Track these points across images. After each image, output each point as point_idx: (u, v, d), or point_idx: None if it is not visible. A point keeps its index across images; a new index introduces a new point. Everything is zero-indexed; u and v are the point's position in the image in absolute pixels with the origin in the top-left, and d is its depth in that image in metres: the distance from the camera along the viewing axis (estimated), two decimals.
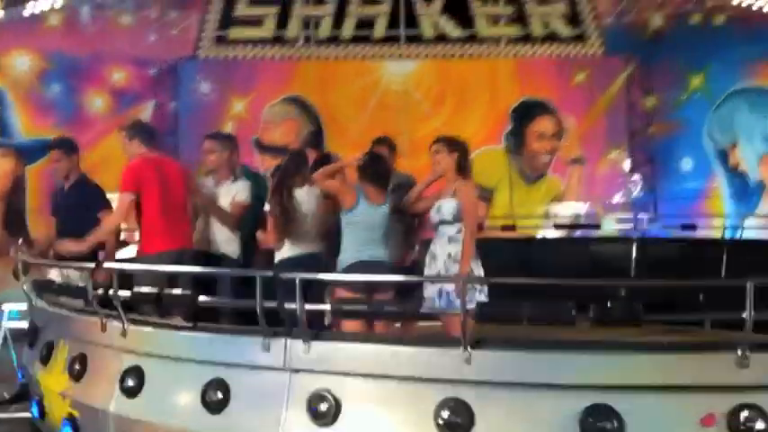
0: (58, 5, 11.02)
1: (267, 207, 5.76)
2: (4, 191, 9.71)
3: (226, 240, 5.89)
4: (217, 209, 5.91)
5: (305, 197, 5.61)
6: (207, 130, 11.17)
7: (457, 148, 5.29)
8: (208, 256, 5.82)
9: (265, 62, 11.96)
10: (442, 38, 11.85)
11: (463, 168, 5.25)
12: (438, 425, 3.32)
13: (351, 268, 5.01)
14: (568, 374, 3.23)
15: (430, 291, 4.86)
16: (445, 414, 3.31)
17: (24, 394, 5.78)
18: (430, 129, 11.40)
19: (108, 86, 11.40)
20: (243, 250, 5.97)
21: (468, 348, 3.31)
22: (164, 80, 11.77)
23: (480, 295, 4.65)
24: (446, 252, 5.03)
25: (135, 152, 5.69)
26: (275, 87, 11.75)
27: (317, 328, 3.70)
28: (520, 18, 11.91)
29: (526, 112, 11.69)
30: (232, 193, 5.96)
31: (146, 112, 11.58)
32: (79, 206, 6.00)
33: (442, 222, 5.13)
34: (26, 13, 10.86)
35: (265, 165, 10.70)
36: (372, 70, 11.78)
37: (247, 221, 6.09)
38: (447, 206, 5.13)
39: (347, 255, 5.15)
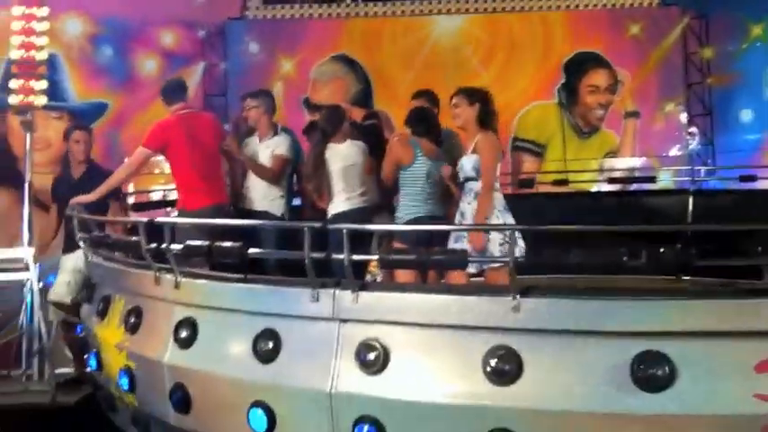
0: None
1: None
2: (61, 152, 9.94)
3: (266, 197, 5.93)
4: (255, 164, 5.94)
5: (345, 152, 5.61)
6: (256, 89, 11.36)
7: (477, 98, 5.08)
8: (249, 212, 5.88)
9: (313, 21, 11.91)
10: None
11: (485, 120, 5.05)
12: (486, 373, 3.31)
13: (409, 224, 5.03)
14: (619, 321, 3.17)
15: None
16: (493, 362, 3.30)
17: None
18: (480, 84, 11.22)
19: (158, 49, 11.48)
20: (288, 207, 6.01)
21: (517, 296, 3.28)
22: (213, 42, 11.81)
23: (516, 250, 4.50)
24: (473, 208, 4.89)
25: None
26: (323, 46, 11.69)
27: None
28: None
29: (579, 66, 11.43)
30: (271, 148, 5.99)
31: (195, 73, 11.65)
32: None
33: (467, 179, 4.99)
34: None
35: None
36: (420, 27, 11.63)
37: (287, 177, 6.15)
38: (468, 162, 4.98)
39: (405, 211, 5.18)
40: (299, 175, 6.51)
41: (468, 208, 4.94)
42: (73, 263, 5.94)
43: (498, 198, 4.93)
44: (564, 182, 9.16)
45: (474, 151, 4.98)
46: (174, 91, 5.90)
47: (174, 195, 8.45)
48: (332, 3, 11.87)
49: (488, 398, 3.30)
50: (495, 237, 4.52)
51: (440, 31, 11.56)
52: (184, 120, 5.70)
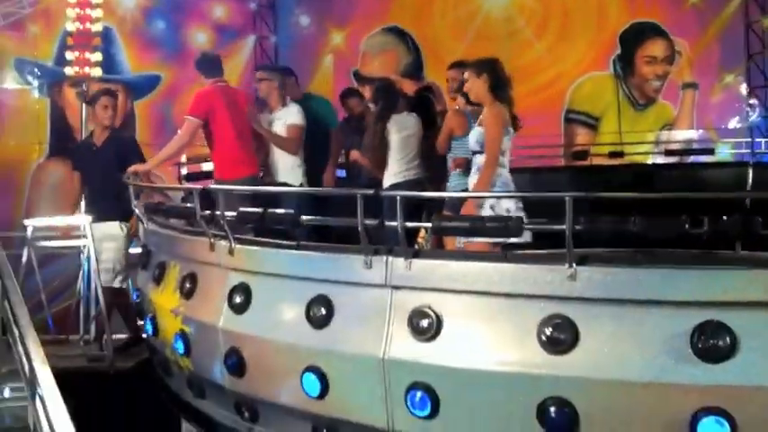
0: None
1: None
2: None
3: (286, 168, 5.98)
4: (275, 136, 5.98)
5: (403, 122, 5.60)
6: (306, 63, 11.38)
7: (485, 69, 4.77)
8: (272, 184, 5.92)
9: None
10: None
11: (495, 91, 4.74)
12: (541, 341, 3.28)
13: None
14: (678, 290, 3.10)
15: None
16: (548, 331, 3.26)
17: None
18: (533, 56, 11.11)
19: (210, 22, 11.55)
20: (308, 177, 6.07)
21: (574, 265, 3.23)
22: (263, 15, 11.82)
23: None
24: (473, 183, 4.73)
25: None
26: (373, 18, 11.63)
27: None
28: None
29: (635, 36, 11.16)
30: (283, 119, 6.04)
31: (246, 47, 11.70)
32: (114, 163, 6.10)
33: (474, 153, 4.81)
34: None
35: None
36: None
37: (316, 146, 6.22)
38: (473, 135, 4.78)
39: (457, 180, 5.15)
40: (342, 146, 6.56)
41: (470, 182, 4.79)
42: (113, 244, 6.05)
43: (502, 174, 4.65)
44: (619, 154, 9.02)
45: (480, 124, 4.80)
46: (212, 63, 5.97)
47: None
48: None
49: (543, 366, 3.27)
50: (486, 208, 4.31)
51: (492, 1, 11.39)
52: (223, 90, 5.76)
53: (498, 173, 4.60)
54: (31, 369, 3.51)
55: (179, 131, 5.99)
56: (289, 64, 11.41)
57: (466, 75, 4.89)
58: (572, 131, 11.16)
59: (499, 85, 4.74)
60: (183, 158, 9.17)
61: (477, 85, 4.75)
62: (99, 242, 6.02)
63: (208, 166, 7.81)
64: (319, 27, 11.73)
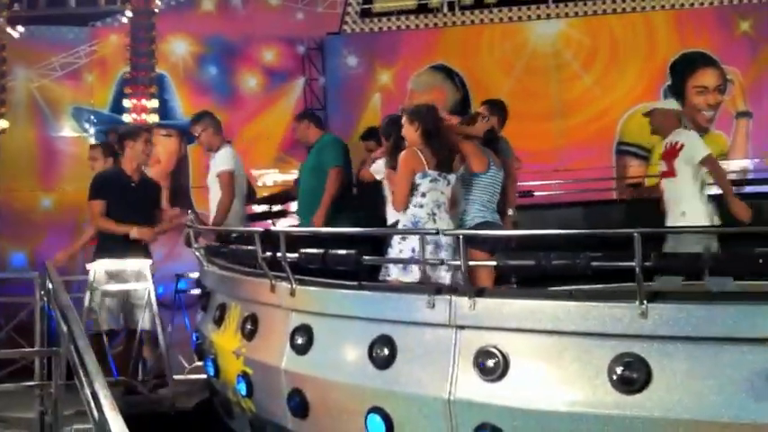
0: None
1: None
2: (170, 169, 10.33)
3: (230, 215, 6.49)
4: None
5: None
6: (354, 103, 11.52)
7: (417, 117, 5.09)
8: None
9: (410, 32, 11.95)
10: None
11: (428, 136, 5.03)
12: (612, 381, 3.21)
13: (478, 228, 5.10)
14: (755, 327, 3.01)
15: None
16: (620, 370, 3.19)
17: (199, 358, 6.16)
18: (582, 88, 11.08)
19: (260, 66, 11.77)
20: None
21: (645, 302, 3.17)
22: (312, 57, 12.01)
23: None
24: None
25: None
26: (420, 56, 11.71)
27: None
28: None
29: (686, 66, 11.03)
30: (213, 167, 6.55)
31: (296, 89, 11.89)
32: (150, 202, 6.44)
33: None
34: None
35: None
36: (518, 33, 11.49)
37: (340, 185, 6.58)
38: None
39: (471, 215, 5.23)
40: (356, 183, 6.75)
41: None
42: (111, 288, 6.13)
43: (414, 214, 4.93)
44: None
45: None
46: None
47: (277, 207, 8.71)
48: (428, 13, 11.89)
49: (615, 407, 3.19)
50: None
51: (538, 36, 11.40)
52: None
53: (411, 212, 4.92)
54: (101, 413, 3.56)
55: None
56: (337, 104, 11.63)
57: (403, 120, 5.17)
58: (624, 163, 11.03)
59: (431, 133, 4.99)
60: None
61: (409, 132, 5.06)
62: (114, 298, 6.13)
63: (257, 208, 7.94)
64: (367, 67, 11.85)
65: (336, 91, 11.77)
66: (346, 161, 6.94)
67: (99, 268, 6.13)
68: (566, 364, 3.35)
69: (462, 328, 3.61)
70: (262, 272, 4.53)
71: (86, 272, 6.29)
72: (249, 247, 4.56)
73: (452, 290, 3.65)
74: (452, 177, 5.10)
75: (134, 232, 6.11)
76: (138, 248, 6.21)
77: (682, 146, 5.80)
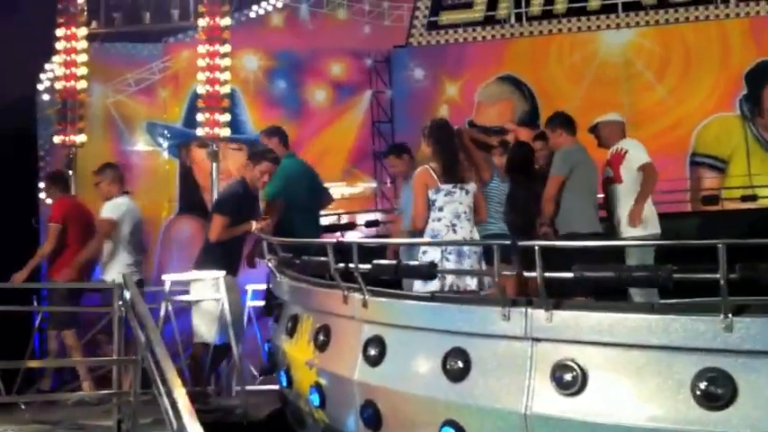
0: (279, 6, 11.71)
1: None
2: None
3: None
4: None
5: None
6: (421, 115, 11.48)
7: (430, 135, 5.32)
8: None
9: (476, 44, 11.91)
10: (663, 2, 11.16)
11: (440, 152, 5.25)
12: (696, 396, 3.12)
13: (488, 239, 5.28)
14: None
15: None
16: (703, 385, 3.11)
17: (271, 368, 6.23)
18: (655, 99, 10.85)
19: (327, 79, 11.87)
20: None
21: (729, 315, 3.07)
22: (379, 70, 12.07)
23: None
24: None
25: None
26: (487, 68, 11.65)
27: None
28: None
29: (762, 75, 10.69)
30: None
31: (363, 101, 11.96)
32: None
33: None
34: (252, 15, 11.63)
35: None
36: (588, 43, 11.32)
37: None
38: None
39: (482, 225, 5.39)
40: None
41: None
42: (211, 305, 6.18)
43: (432, 227, 5.10)
44: (752, 198, 8.62)
45: None
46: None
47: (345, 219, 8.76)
48: (495, 24, 11.83)
49: (699, 423, 3.11)
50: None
51: (608, 45, 11.21)
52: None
53: (429, 227, 5.10)
54: (179, 421, 3.62)
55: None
56: (404, 116, 11.63)
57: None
58: (699, 175, 10.74)
59: (443, 147, 5.21)
60: None
61: (424, 147, 5.34)
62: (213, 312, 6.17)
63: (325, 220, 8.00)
64: (434, 79, 11.85)
65: (403, 103, 11.79)
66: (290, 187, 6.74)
67: (174, 278, 6.25)
68: (646, 378, 3.27)
69: (538, 340, 3.56)
70: (334, 283, 4.56)
71: (161, 283, 6.45)
72: (322, 258, 4.59)
73: (528, 302, 3.61)
74: (471, 186, 5.23)
75: (254, 225, 6.21)
76: (234, 260, 6.36)
77: (626, 152, 5.92)
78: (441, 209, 5.12)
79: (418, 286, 4.83)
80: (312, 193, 7.00)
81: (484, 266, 4.92)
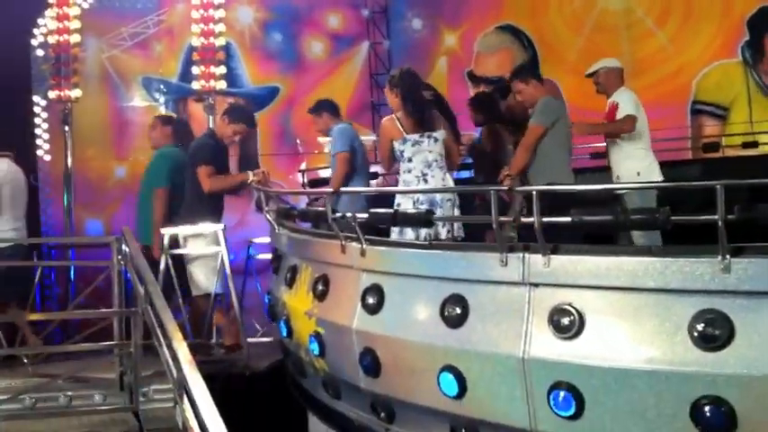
0: None
1: None
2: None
3: None
4: None
5: None
6: (420, 66, 11.27)
7: (395, 83, 5.29)
8: None
9: None
10: None
11: (406, 101, 5.25)
12: (693, 338, 3.13)
13: None
14: None
15: None
16: (701, 326, 3.12)
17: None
18: (655, 46, 10.72)
19: (324, 31, 11.72)
20: None
21: (727, 257, 3.06)
22: (377, 20, 11.90)
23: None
24: None
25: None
26: (486, 17, 11.50)
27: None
28: None
29: (765, 21, 10.53)
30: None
31: (361, 53, 11.83)
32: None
33: None
34: None
35: None
36: None
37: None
38: None
39: None
40: None
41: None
42: (204, 255, 6.20)
43: (403, 179, 5.18)
44: (753, 144, 8.57)
45: None
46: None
47: None
48: None
49: (696, 364, 3.12)
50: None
51: None
52: None
53: (401, 178, 5.18)
54: (180, 372, 3.64)
55: None
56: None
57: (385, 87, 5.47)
58: (700, 123, 10.66)
59: (408, 97, 5.17)
60: (303, 166, 9.41)
61: (390, 98, 5.31)
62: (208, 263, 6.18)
63: (326, 173, 7.96)
64: (432, 29, 11.71)
65: (401, 54, 11.62)
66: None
67: (171, 232, 6.24)
68: (644, 321, 3.28)
69: (536, 285, 3.56)
70: (332, 233, 4.55)
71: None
72: (320, 209, 4.57)
73: (526, 247, 3.59)
74: (440, 134, 5.21)
75: (251, 176, 6.17)
76: (218, 213, 6.33)
77: (617, 105, 5.82)
78: (410, 159, 5.13)
79: (395, 236, 4.82)
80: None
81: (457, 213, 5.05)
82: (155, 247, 6.40)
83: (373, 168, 7.31)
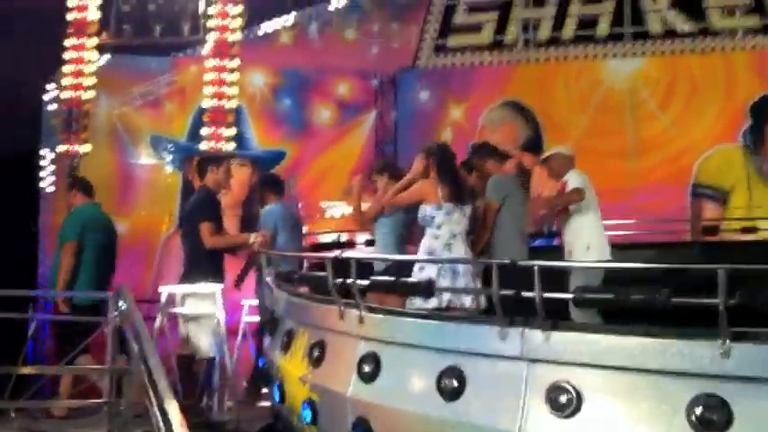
0: (288, 24, 11.77)
1: None
2: (242, 198, 10.50)
3: None
4: None
5: None
6: (425, 137, 11.50)
7: (430, 153, 5.44)
8: None
9: (483, 68, 11.91)
10: (670, 33, 11.17)
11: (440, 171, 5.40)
12: (691, 422, 3.09)
13: None
14: None
15: None
16: (699, 411, 3.08)
17: (260, 379, 6.21)
18: (658, 128, 10.86)
19: (333, 98, 11.90)
20: None
21: (727, 341, 3.05)
22: (385, 91, 12.10)
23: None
24: None
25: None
26: (493, 92, 11.68)
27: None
28: (758, 7, 10.97)
29: (767, 108, 10.71)
30: None
31: (367, 122, 11.98)
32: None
33: None
34: (261, 33, 11.69)
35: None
36: (594, 70, 11.34)
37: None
38: None
39: None
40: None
41: None
42: (202, 318, 6.15)
43: (426, 244, 5.27)
44: (752, 230, 8.60)
45: None
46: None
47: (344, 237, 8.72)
48: (502, 49, 11.86)
49: None
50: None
51: (614, 73, 11.22)
52: None
53: (427, 243, 5.24)
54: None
55: None
56: (408, 138, 11.63)
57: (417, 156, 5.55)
58: (699, 206, 10.72)
59: (443, 168, 5.37)
60: (304, 230, 9.43)
61: (420, 167, 5.44)
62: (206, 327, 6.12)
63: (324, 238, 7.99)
64: (439, 102, 11.88)
65: (408, 125, 11.81)
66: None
67: (170, 290, 6.22)
68: (641, 402, 3.24)
69: (534, 361, 3.53)
70: (331, 298, 4.53)
71: (156, 295, 6.41)
72: (320, 274, 4.57)
73: (525, 322, 3.58)
74: (468, 209, 5.38)
75: (253, 238, 6.29)
76: (220, 271, 6.33)
77: (566, 183, 6.09)
78: (439, 227, 5.23)
79: (418, 302, 4.83)
80: None
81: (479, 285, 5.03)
82: (59, 301, 6.46)
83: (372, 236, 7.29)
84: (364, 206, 6.19)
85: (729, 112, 10.77)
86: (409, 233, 5.88)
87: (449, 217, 5.24)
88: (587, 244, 5.90)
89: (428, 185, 5.34)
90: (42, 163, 10.30)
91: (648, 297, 3.16)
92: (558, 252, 6.30)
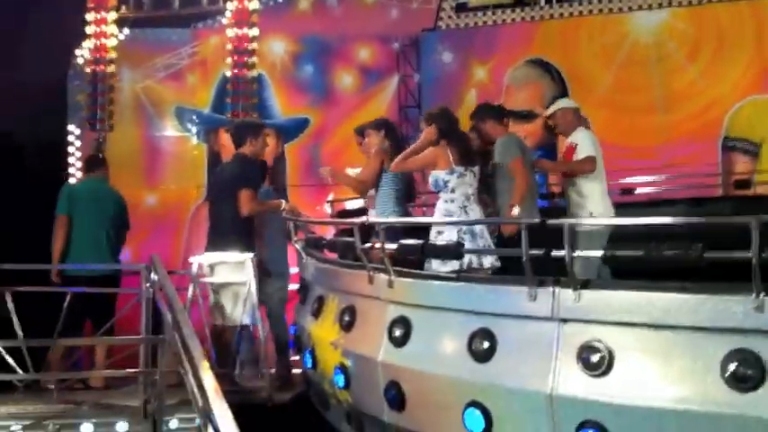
0: None
1: None
2: (268, 167, 10.48)
3: None
4: None
5: None
6: (450, 99, 11.39)
7: (434, 119, 5.43)
8: None
9: (506, 26, 11.76)
10: None
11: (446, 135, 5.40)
12: (725, 378, 3.07)
13: None
14: None
15: None
16: (733, 366, 3.06)
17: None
18: (686, 81, 10.64)
19: (355, 64, 11.81)
20: None
21: (761, 295, 3.01)
22: (407, 54, 11.99)
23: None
24: None
25: None
26: (516, 51, 11.51)
27: None
28: None
29: None
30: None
31: (391, 86, 11.90)
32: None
33: None
34: (280, 0, 11.61)
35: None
36: (618, 24, 11.10)
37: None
38: None
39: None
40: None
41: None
42: (233, 287, 6.17)
43: (440, 208, 5.33)
44: None
45: None
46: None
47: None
48: (525, 6, 11.68)
49: (727, 405, 3.05)
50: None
51: (640, 27, 10.97)
52: None
53: (443, 207, 5.28)
54: (205, 401, 3.62)
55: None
56: (432, 101, 11.48)
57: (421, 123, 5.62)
58: (731, 159, 10.52)
59: (448, 132, 5.37)
60: (331, 197, 9.44)
61: (428, 132, 5.41)
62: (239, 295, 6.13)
63: (352, 204, 7.97)
64: (462, 63, 11.74)
65: (431, 88, 11.69)
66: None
67: (201, 260, 6.26)
68: (674, 359, 3.22)
69: (565, 321, 3.52)
70: (360, 264, 4.54)
71: (188, 265, 6.47)
72: (348, 239, 4.57)
73: (556, 281, 3.56)
74: (477, 170, 5.41)
75: (284, 204, 6.38)
76: (251, 239, 6.36)
77: (575, 146, 5.96)
78: (453, 190, 5.27)
79: (436, 265, 4.82)
80: None
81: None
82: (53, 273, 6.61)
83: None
84: (353, 172, 6.29)
85: (759, 62, 10.51)
86: (408, 189, 6.04)
87: (461, 179, 5.29)
88: (591, 211, 5.85)
89: (439, 150, 5.34)
90: (70, 139, 10.36)
91: (682, 252, 3.12)
92: (561, 214, 6.13)
